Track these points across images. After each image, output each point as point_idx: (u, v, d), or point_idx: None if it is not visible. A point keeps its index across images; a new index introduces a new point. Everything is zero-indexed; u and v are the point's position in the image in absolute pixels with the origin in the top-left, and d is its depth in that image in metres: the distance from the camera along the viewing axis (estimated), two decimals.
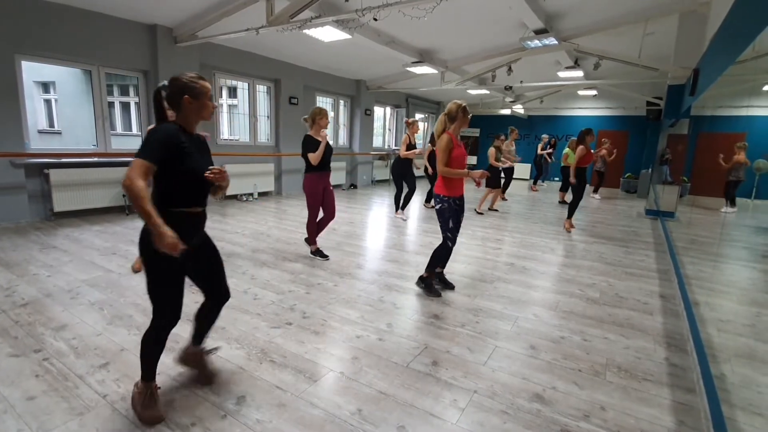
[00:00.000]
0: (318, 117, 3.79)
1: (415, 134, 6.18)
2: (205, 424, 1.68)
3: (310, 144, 3.80)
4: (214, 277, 1.89)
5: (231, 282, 3.36)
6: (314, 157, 3.77)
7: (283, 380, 2.01)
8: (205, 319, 1.95)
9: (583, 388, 2.04)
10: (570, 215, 5.87)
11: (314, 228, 4.08)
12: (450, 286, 3.37)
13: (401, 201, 6.36)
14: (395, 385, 2.00)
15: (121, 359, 2.14)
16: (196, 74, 1.68)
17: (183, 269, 1.69)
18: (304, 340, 2.43)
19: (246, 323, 2.62)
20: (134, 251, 4.03)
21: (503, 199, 8.76)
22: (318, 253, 4.09)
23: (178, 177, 1.60)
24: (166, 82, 1.65)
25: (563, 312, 2.99)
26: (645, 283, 3.70)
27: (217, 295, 1.91)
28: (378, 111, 11.64)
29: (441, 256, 3.19)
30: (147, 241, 1.55)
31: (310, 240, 4.12)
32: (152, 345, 1.70)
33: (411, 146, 6.11)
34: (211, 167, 1.67)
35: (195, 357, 1.98)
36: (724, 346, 2.47)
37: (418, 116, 13.36)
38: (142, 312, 2.70)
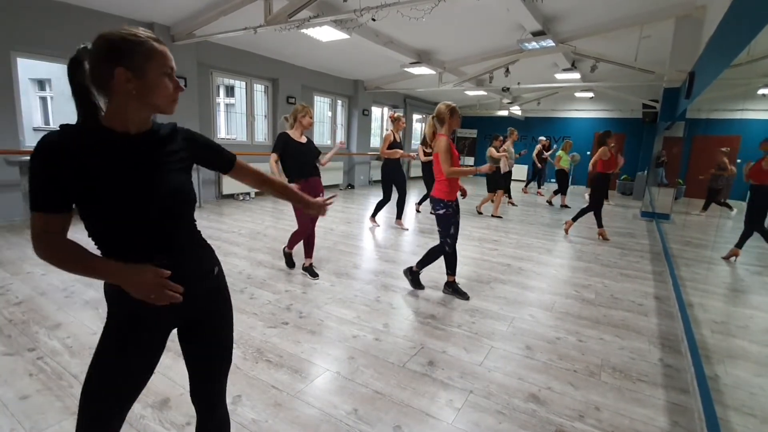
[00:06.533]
0: (300, 115, 3.40)
1: (400, 131, 5.49)
2: None
3: (279, 141, 3.39)
4: (200, 378, 1.15)
5: (227, 281, 3.35)
6: (272, 160, 3.34)
7: (279, 380, 2.01)
8: None
9: (579, 389, 2.05)
10: (599, 223, 5.55)
11: (297, 242, 3.70)
12: (465, 296, 3.19)
13: (396, 209, 5.72)
14: (391, 385, 2.01)
15: None
16: (143, 29, 0.95)
17: (131, 352, 0.99)
18: (300, 339, 2.43)
19: (242, 322, 2.61)
20: None
21: (512, 204, 8.37)
22: (288, 258, 3.78)
23: (98, 219, 0.93)
24: (89, 44, 0.91)
25: (559, 313, 3.01)
26: (640, 285, 3.72)
27: (203, 407, 1.18)
28: (376, 111, 11.64)
29: (436, 256, 3.21)
30: (112, 301, 0.99)
31: (289, 245, 3.76)
32: None
33: (396, 144, 5.37)
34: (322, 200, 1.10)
35: None
36: (718, 347, 2.49)
37: (415, 117, 13.37)
38: None
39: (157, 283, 0.90)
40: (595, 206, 5.49)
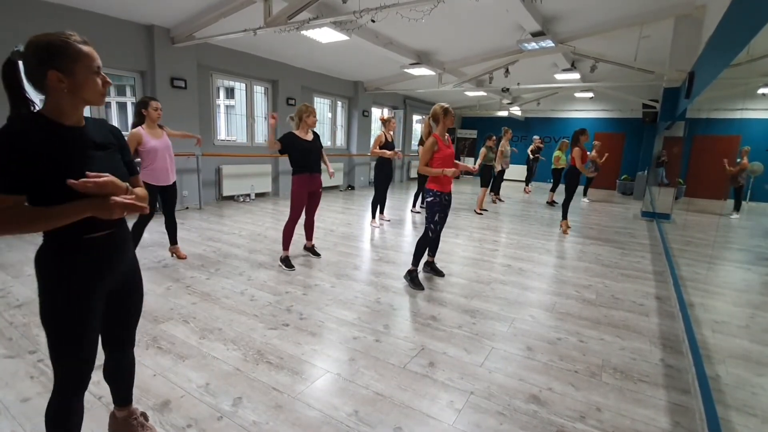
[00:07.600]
0: (305, 115, 3.69)
1: (391, 132, 5.65)
2: (201, 425, 1.68)
3: (284, 139, 3.63)
4: (122, 328, 1.41)
5: (228, 283, 3.40)
6: (270, 142, 3.58)
7: (280, 381, 2.01)
8: (118, 378, 1.49)
9: (580, 390, 2.05)
10: (564, 216, 5.94)
11: (291, 233, 3.80)
12: (440, 274, 3.68)
13: (377, 206, 5.93)
14: (392, 387, 2.00)
15: None
16: (69, 32, 1.07)
17: (94, 305, 1.20)
18: (300, 341, 2.43)
19: (242, 324, 2.61)
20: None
21: (499, 200, 8.83)
22: (286, 261, 3.76)
23: (49, 197, 1.04)
24: (21, 47, 1.05)
25: (559, 313, 3.00)
26: (641, 285, 3.72)
27: (114, 344, 1.41)
28: (376, 112, 11.65)
29: (423, 246, 3.40)
30: (46, 263, 1.12)
31: (284, 245, 3.80)
32: (58, 419, 1.24)
33: (388, 144, 5.55)
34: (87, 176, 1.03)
35: (125, 425, 1.53)
36: (719, 347, 2.48)
37: (415, 118, 13.38)
38: None
39: (120, 201, 1.07)
40: (567, 197, 5.92)
